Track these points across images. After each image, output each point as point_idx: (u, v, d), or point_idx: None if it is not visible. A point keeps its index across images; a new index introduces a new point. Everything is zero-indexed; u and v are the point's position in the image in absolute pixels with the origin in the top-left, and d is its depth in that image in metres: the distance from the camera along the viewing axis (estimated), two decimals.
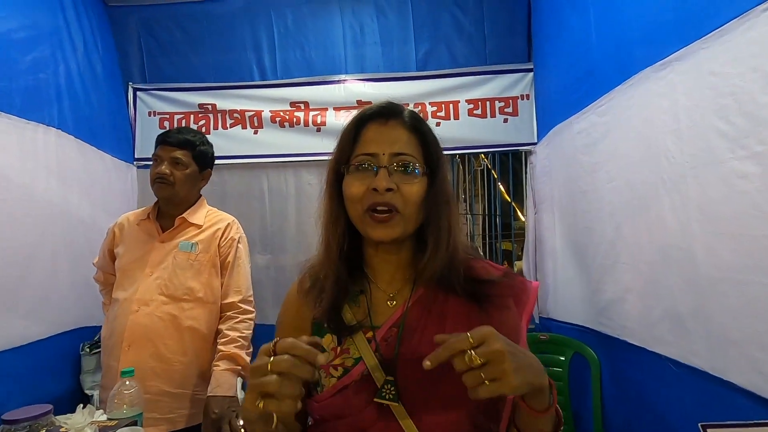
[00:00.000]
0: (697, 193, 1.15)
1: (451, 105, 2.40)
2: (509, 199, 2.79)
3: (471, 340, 0.53)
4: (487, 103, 2.40)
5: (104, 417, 1.14)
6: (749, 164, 0.98)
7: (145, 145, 2.47)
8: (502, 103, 2.39)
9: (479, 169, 3.43)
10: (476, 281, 0.73)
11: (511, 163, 2.60)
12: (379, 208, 0.70)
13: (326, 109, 2.45)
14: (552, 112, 2.12)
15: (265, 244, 2.45)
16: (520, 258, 2.69)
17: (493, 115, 2.39)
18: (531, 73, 2.38)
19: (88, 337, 1.96)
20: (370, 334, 0.72)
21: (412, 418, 0.66)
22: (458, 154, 2.56)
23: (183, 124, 2.46)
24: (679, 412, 1.27)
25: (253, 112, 2.47)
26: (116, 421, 1.06)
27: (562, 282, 2.07)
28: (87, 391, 1.89)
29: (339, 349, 0.72)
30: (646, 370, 1.41)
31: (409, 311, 0.73)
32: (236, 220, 1.66)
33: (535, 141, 2.34)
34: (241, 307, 1.55)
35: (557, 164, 2.08)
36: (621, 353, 1.58)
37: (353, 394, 0.69)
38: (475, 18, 2.42)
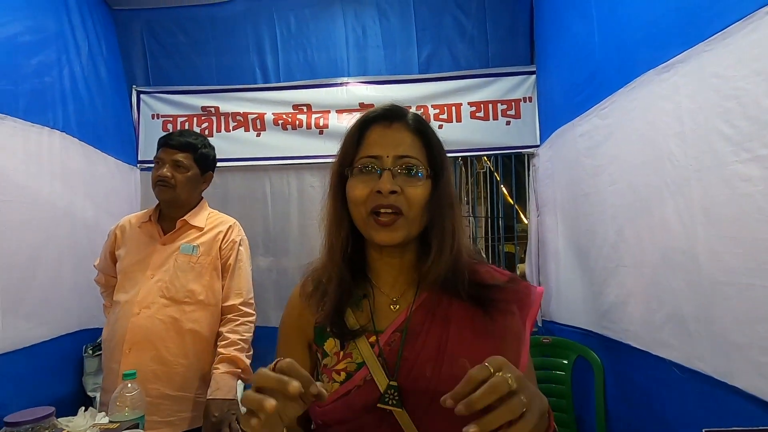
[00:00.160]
0: (701, 196, 1.14)
1: (453, 107, 2.40)
2: (512, 202, 2.77)
3: (491, 369, 0.50)
4: (490, 105, 2.39)
5: (106, 420, 1.14)
6: (753, 167, 0.98)
7: (148, 147, 2.47)
8: (505, 106, 2.39)
9: (482, 171, 3.42)
10: (481, 286, 0.72)
11: (513, 166, 2.59)
12: (382, 210, 0.69)
13: (329, 112, 2.46)
14: (554, 114, 2.12)
15: (267, 246, 2.45)
16: (522, 261, 2.69)
17: (495, 118, 2.39)
18: (533, 76, 2.38)
19: (90, 339, 1.96)
20: (373, 339, 0.71)
21: (415, 423, 0.65)
22: (461, 156, 2.55)
23: (186, 127, 2.48)
24: (683, 416, 1.26)
25: (255, 115, 2.47)
26: (118, 424, 1.06)
27: (565, 285, 2.06)
28: (89, 393, 1.90)
29: (342, 353, 0.72)
30: (650, 374, 1.40)
31: (413, 315, 0.72)
32: (238, 223, 1.66)
33: (538, 143, 2.34)
34: (242, 310, 1.55)
35: (560, 167, 2.08)
36: (624, 357, 1.57)
37: (356, 399, 0.68)
38: (477, 20, 2.42)
